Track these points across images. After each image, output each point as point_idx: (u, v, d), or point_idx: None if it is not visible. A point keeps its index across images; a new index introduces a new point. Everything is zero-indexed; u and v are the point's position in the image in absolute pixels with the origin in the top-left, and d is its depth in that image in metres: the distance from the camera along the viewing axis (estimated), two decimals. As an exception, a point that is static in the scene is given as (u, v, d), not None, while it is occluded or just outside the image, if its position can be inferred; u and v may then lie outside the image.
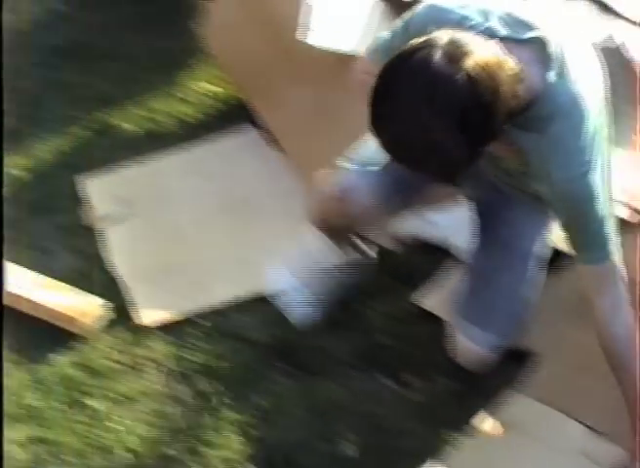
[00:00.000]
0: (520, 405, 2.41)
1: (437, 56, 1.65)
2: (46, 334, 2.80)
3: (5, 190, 3.43)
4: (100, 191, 3.33)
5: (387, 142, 1.75)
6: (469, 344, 2.43)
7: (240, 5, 3.70)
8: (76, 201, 3.41)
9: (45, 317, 2.83)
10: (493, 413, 2.40)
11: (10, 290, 2.90)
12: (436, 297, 2.72)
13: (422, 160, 1.73)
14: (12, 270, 2.99)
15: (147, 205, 3.22)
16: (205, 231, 3.07)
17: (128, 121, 3.87)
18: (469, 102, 1.65)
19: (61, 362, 2.71)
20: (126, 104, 4.00)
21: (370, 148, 2.30)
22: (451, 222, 2.85)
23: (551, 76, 1.83)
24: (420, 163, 1.75)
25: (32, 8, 5.15)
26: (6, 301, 2.79)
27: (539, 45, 1.83)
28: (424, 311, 2.70)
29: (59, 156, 3.71)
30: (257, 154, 3.43)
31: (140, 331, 2.78)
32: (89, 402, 2.59)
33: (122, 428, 2.52)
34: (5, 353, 2.73)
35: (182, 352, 2.71)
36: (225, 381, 2.62)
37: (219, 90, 4.01)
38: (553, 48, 1.83)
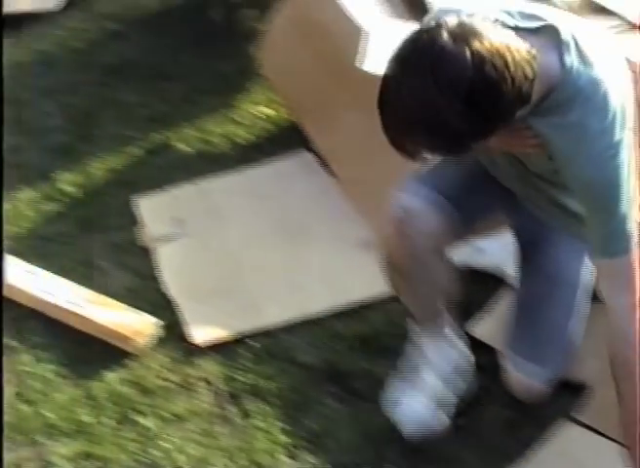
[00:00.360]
0: (573, 434, 2.39)
1: (444, 35, 1.68)
2: (97, 351, 2.83)
3: (57, 206, 3.50)
4: (154, 211, 3.37)
5: (394, 118, 1.76)
6: (521, 377, 2.43)
7: (295, 29, 3.75)
8: (129, 219, 3.45)
9: (96, 333, 2.86)
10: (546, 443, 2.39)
11: (61, 305, 2.94)
12: (488, 326, 2.72)
13: (426, 131, 1.74)
14: (63, 285, 3.04)
15: (200, 225, 3.25)
16: (257, 253, 3.10)
17: (182, 141, 3.92)
18: (475, 78, 1.66)
19: (113, 379, 2.73)
20: (181, 125, 4.05)
21: (433, 173, 2.30)
22: (500, 249, 2.85)
23: (568, 60, 1.82)
24: (423, 134, 1.75)
25: (87, 26, 5.26)
26: (57, 316, 2.84)
27: (551, 32, 1.83)
28: (477, 340, 2.69)
29: (112, 174, 3.76)
30: (310, 178, 3.45)
31: (191, 350, 2.80)
32: (139, 419, 2.61)
33: (171, 446, 2.54)
34: (56, 367, 2.77)
35: (232, 372, 2.72)
36: (275, 403, 2.63)
37: (272, 112, 4.05)
38: (566, 34, 1.83)
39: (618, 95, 1.86)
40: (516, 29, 1.83)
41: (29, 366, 2.81)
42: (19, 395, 2.73)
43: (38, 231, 3.44)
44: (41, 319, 2.96)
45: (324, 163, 3.55)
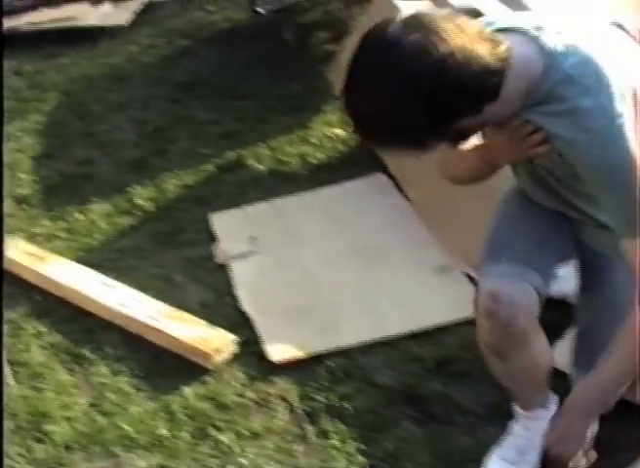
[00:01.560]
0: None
1: (394, 25, 1.71)
2: (173, 365, 2.89)
3: (131, 219, 3.58)
4: (230, 228, 3.45)
5: (355, 117, 1.77)
6: None
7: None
8: (203, 235, 3.53)
9: (173, 348, 2.92)
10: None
11: (138, 318, 3.01)
12: (558, 351, 2.74)
13: (386, 130, 1.77)
14: (140, 298, 3.11)
15: (275, 243, 3.32)
16: (332, 272, 3.15)
17: (255, 159, 3.99)
18: (418, 66, 1.68)
19: (190, 393, 2.78)
20: (254, 143, 4.13)
21: (503, 240, 2.26)
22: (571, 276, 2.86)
23: (549, 46, 1.82)
24: (384, 133, 1.78)
25: (157, 42, 5.37)
26: (134, 329, 2.91)
27: (527, 28, 1.85)
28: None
29: (185, 190, 3.84)
30: (384, 200, 3.50)
31: (268, 368, 2.85)
32: (216, 435, 2.66)
33: (248, 463, 2.58)
34: (132, 380, 2.84)
35: (309, 391, 2.77)
36: (351, 423, 2.67)
37: (345, 134, 4.11)
38: (542, 25, 1.86)
39: (615, 71, 1.82)
40: (500, 30, 1.83)
41: (105, 377, 2.87)
42: (94, 406, 2.79)
43: (113, 244, 3.52)
44: (117, 331, 3.03)
45: (397, 185, 3.60)
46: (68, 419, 2.72)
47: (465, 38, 1.71)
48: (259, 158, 3.98)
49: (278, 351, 2.82)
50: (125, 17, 5.71)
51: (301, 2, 5.62)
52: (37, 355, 2.96)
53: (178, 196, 3.77)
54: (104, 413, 2.75)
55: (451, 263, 3.02)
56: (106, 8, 5.79)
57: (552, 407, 2.38)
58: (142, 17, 5.81)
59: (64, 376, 2.87)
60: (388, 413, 2.66)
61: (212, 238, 3.45)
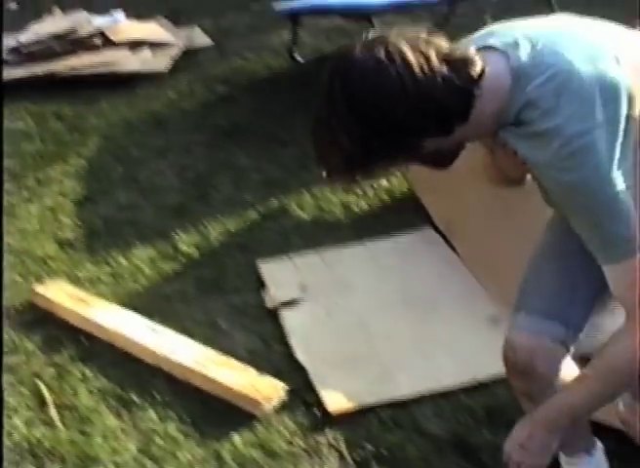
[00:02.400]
0: None
1: (358, 45, 1.74)
2: (222, 411, 2.91)
3: (176, 265, 3.63)
4: (278, 276, 3.49)
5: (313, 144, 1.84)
6: None
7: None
8: (248, 282, 3.57)
9: (222, 394, 2.94)
10: None
11: (186, 364, 3.04)
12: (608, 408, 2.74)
13: (324, 153, 1.83)
14: (186, 344, 3.14)
15: (325, 292, 3.36)
16: (384, 323, 3.19)
17: (298, 207, 4.04)
18: (361, 92, 1.70)
19: (239, 440, 2.81)
20: (296, 191, 4.18)
21: (528, 277, 2.21)
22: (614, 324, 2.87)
23: (515, 64, 1.79)
24: (322, 157, 1.83)
25: (195, 88, 5.46)
26: (181, 375, 2.94)
27: (503, 46, 1.83)
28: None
29: (229, 236, 3.89)
30: (432, 251, 3.54)
31: (317, 416, 2.87)
32: (267, 483, 2.69)
33: (298, 511, 2.60)
34: (180, 426, 2.86)
35: (359, 439, 2.78)
36: (403, 473, 2.69)
37: (389, 184, 4.16)
38: (514, 40, 1.83)
39: (593, 80, 1.77)
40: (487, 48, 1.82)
41: (154, 423, 2.90)
42: (143, 452, 2.82)
43: (158, 289, 3.56)
44: (164, 376, 3.06)
45: (444, 237, 3.64)
46: (117, 465, 2.75)
47: (432, 57, 1.71)
48: (302, 206, 4.03)
49: (333, 401, 2.85)
50: (164, 63, 5.80)
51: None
52: (85, 399, 2.99)
53: (221, 242, 3.81)
54: (153, 459, 2.77)
55: (502, 314, 3.05)
56: (145, 54, 5.88)
57: (597, 453, 2.37)
58: (181, 63, 5.91)
59: (112, 421, 2.90)
60: (438, 463, 2.68)
61: (257, 285, 3.49)
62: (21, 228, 4.12)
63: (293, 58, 5.70)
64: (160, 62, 5.80)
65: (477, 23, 2.22)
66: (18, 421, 2.92)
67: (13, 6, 7.71)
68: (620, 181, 1.75)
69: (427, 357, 2.97)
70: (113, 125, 5.14)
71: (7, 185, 4.53)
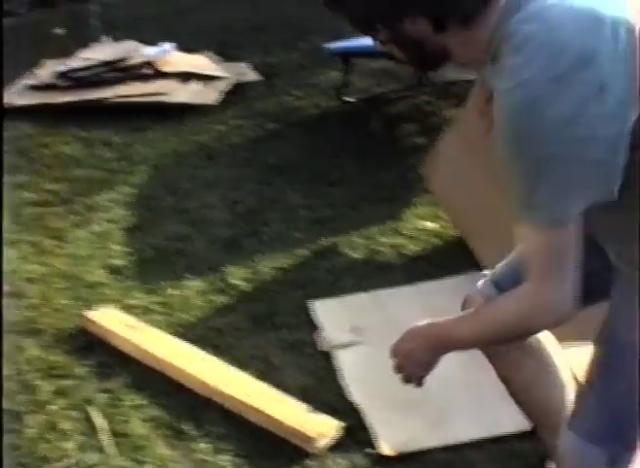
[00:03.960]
0: None
1: None
2: (275, 447, 2.95)
3: (227, 298, 3.68)
4: (331, 317, 3.54)
5: None
6: None
7: (464, 147, 3.93)
8: (300, 319, 3.62)
9: (276, 430, 2.98)
10: None
11: (239, 398, 3.09)
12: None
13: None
14: (240, 378, 3.19)
15: (379, 333, 3.39)
16: (439, 366, 3.21)
17: (349, 247, 4.10)
18: None
19: (294, 478, 2.85)
20: (347, 231, 4.24)
21: None
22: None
23: None
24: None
25: (245, 123, 5.55)
26: (234, 408, 2.98)
27: None
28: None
29: (280, 273, 3.95)
30: (483, 296, 3.57)
31: (372, 456, 2.90)
32: (321, 521, 2.72)
33: None
34: (234, 459, 2.91)
35: (412, 482, 2.83)
36: (457, 520, 2.72)
37: (438, 227, 4.22)
38: None
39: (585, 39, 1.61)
40: None
41: (207, 454, 2.94)
42: (195, 483, 2.85)
43: (209, 322, 3.61)
44: (218, 408, 3.10)
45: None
46: (170, 494, 2.78)
47: None
48: (352, 246, 4.09)
49: (387, 443, 2.88)
50: (213, 96, 5.90)
51: (388, 93, 5.79)
52: (137, 427, 3.03)
53: (273, 278, 3.87)
54: (206, 492, 2.80)
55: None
56: (195, 86, 5.98)
57: None
58: (230, 97, 6.00)
59: (165, 451, 2.94)
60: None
61: (309, 323, 3.54)
62: (71, 253, 4.19)
63: (342, 97, 5.78)
64: (209, 95, 5.90)
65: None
66: (71, 445, 2.97)
67: (59, 31, 7.84)
68: (568, 147, 1.62)
69: (482, 401, 3.00)
70: (162, 155, 5.23)
71: (56, 209, 4.62)
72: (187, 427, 3.03)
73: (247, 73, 6.41)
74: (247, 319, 3.62)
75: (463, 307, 2.29)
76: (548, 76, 1.59)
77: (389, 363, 3.10)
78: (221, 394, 3.12)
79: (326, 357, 3.36)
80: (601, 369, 2.05)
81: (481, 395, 3.04)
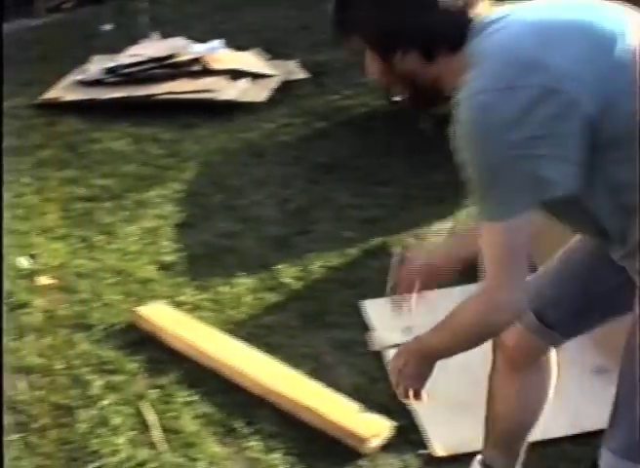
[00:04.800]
0: None
1: None
2: (327, 446, 2.95)
3: (277, 296, 3.69)
4: (383, 317, 3.52)
5: None
6: None
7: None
8: (351, 319, 3.61)
9: (327, 429, 2.98)
10: None
11: (292, 397, 3.09)
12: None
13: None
14: (292, 377, 3.19)
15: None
16: (488, 368, 3.19)
17: (400, 247, 4.08)
18: None
19: (347, 478, 2.84)
20: (397, 231, 4.23)
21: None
22: None
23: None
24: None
25: (293, 121, 5.55)
26: (285, 406, 2.99)
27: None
28: None
29: (331, 271, 3.94)
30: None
31: (424, 457, 2.89)
32: (374, 522, 2.71)
33: None
34: (286, 458, 2.90)
35: (468, 485, 2.81)
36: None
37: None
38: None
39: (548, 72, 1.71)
40: None
41: (259, 453, 2.94)
42: (246, 481, 2.85)
43: (260, 319, 3.62)
44: (270, 407, 3.10)
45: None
46: (222, 491, 2.79)
47: None
48: (403, 246, 4.06)
49: (440, 444, 2.87)
50: (262, 93, 5.90)
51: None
52: (189, 424, 3.04)
53: (323, 277, 3.87)
54: (258, 491, 2.80)
55: (609, 365, 3.06)
56: (244, 84, 5.99)
57: None
58: (279, 95, 6.00)
59: (217, 448, 2.94)
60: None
61: (360, 323, 3.53)
62: (121, 248, 4.21)
63: (391, 96, 5.75)
64: (258, 93, 5.91)
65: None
66: (122, 440, 2.97)
67: (107, 27, 7.89)
68: (517, 148, 1.72)
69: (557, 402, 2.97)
70: (211, 152, 5.24)
71: (106, 204, 4.64)
72: (239, 425, 3.03)
73: (295, 71, 6.41)
74: (298, 317, 3.62)
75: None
76: (497, 86, 1.70)
77: (440, 364, 3.10)
78: (274, 392, 3.12)
79: (378, 356, 3.35)
80: (630, 385, 2.03)
81: (564, 394, 3.01)
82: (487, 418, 2.57)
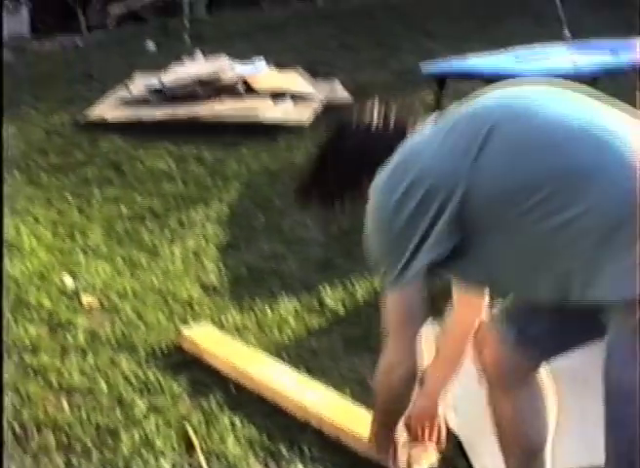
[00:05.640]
0: None
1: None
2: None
3: (321, 320, 3.69)
4: (425, 340, 3.50)
5: None
6: None
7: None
8: (396, 343, 3.59)
9: (371, 454, 2.97)
10: None
11: (335, 422, 3.09)
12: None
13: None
14: (337, 401, 3.19)
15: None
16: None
17: (445, 271, 4.07)
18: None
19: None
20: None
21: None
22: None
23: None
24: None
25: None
26: (329, 431, 2.99)
27: None
28: None
29: (375, 294, 3.93)
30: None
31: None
32: None
33: None
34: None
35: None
36: None
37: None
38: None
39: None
40: None
41: (304, 478, 2.94)
42: (292, 507, 2.85)
43: (304, 343, 3.62)
44: (313, 431, 3.10)
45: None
46: (266, 515, 2.79)
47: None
48: (448, 270, 4.05)
49: (488, 471, 2.86)
50: (306, 115, 5.93)
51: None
52: (233, 447, 3.05)
53: (367, 300, 3.87)
54: (303, 517, 2.80)
55: None
56: (288, 104, 6.02)
57: None
58: (322, 115, 6.02)
59: (260, 472, 2.94)
60: None
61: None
62: (165, 269, 4.23)
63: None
64: (302, 114, 5.93)
65: None
66: (165, 463, 2.98)
67: (151, 46, 7.96)
68: (395, 230, 2.13)
69: (578, 432, 2.96)
70: (255, 173, 5.27)
71: (150, 224, 4.68)
72: (284, 449, 3.04)
73: (338, 92, 6.44)
74: (341, 341, 3.62)
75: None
76: (385, 188, 2.17)
77: (484, 390, 3.09)
78: (318, 417, 3.12)
79: (421, 383, 3.33)
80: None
81: (577, 424, 2.99)
82: (500, 444, 2.61)
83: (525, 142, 2.05)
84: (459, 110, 2.18)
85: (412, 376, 2.48)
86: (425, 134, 2.20)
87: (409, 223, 2.09)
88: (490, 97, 2.18)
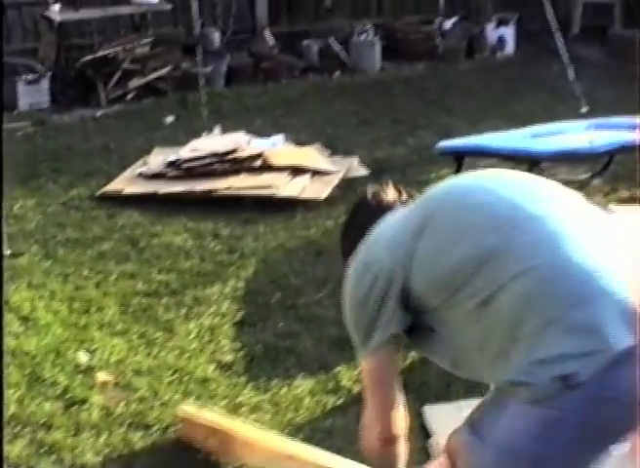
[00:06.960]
0: None
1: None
2: None
3: (338, 400, 3.71)
4: (445, 423, 3.52)
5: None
6: None
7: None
8: (411, 424, 3.61)
9: None
10: None
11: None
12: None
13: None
14: None
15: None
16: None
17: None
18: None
19: None
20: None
21: None
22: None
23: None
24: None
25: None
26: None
27: None
28: None
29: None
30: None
31: None
32: None
33: None
34: None
35: None
36: None
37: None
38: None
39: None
40: None
41: None
42: None
43: (319, 423, 3.66)
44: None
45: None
46: None
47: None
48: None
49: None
50: (323, 190, 6.01)
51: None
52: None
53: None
54: None
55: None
56: (304, 180, 6.11)
57: None
58: (339, 191, 6.10)
59: None
60: None
61: (421, 428, 3.53)
62: (180, 346, 4.28)
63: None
64: (319, 190, 6.01)
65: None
66: None
67: (169, 119, 8.09)
68: (359, 310, 2.53)
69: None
70: (271, 249, 5.33)
71: (165, 300, 4.73)
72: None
73: (356, 168, 6.52)
74: (358, 421, 3.62)
75: None
76: (352, 267, 2.58)
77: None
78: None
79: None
80: None
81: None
82: None
83: (451, 231, 2.38)
84: (424, 195, 2.53)
85: (389, 436, 2.67)
86: (396, 215, 2.56)
87: (365, 302, 2.48)
88: (442, 186, 2.54)
